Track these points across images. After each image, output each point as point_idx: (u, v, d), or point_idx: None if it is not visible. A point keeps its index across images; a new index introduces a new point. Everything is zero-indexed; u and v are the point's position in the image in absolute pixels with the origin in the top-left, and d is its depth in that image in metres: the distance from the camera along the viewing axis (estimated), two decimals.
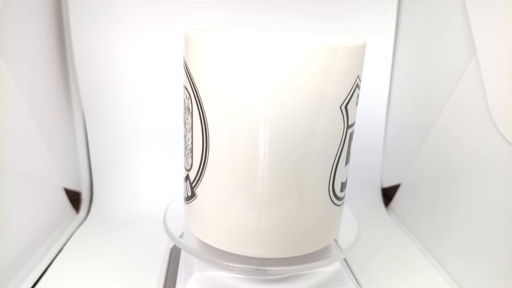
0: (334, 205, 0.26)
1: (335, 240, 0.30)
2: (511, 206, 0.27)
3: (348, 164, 0.26)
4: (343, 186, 0.26)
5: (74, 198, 0.42)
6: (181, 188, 0.30)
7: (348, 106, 0.23)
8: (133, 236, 0.38)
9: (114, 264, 0.34)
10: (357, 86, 0.24)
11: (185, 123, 0.26)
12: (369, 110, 0.44)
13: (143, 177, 0.43)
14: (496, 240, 0.28)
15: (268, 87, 0.22)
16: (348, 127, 0.24)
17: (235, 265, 0.25)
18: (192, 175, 0.26)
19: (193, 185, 0.26)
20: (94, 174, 0.43)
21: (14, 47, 0.31)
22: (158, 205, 0.38)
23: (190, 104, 0.24)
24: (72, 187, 0.42)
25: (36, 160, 0.35)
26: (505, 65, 0.28)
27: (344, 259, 0.31)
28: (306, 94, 0.22)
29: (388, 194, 0.46)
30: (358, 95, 0.24)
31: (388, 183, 0.46)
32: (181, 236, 0.30)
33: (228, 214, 0.25)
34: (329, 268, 0.27)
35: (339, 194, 0.26)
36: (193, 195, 0.26)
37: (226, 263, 0.25)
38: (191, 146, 0.25)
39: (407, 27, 0.41)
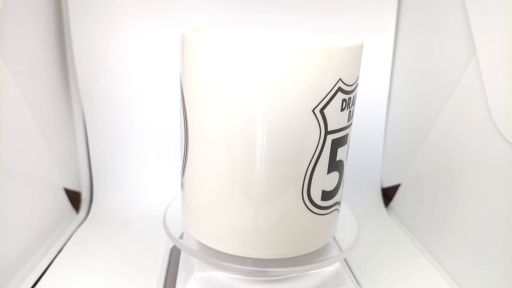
0: (312, 213, 0.24)
1: (335, 240, 0.30)
2: (511, 206, 0.27)
3: (336, 173, 0.25)
4: (326, 195, 0.25)
5: (74, 198, 0.42)
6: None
7: (325, 111, 0.22)
8: (133, 236, 0.38)
9: (114, 264, 0.34)
10: (341, 90, 0.22)
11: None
12: (369, 110, 0.44)
13: (143, 177, 0.43)
14: (495, 240, 0.28)
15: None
16: (328, 132, 0.23)
17: (235, 266, 0.25)
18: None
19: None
20: (94, 174, 0.43)
21: (14, 47, 0.31)
22: (158, 205, 0.38)
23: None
24: (72, 187, 0.42)
25: (36, 160, 0.35)
26: (505, 65, 0.28)
27: (344, 258, 0.31)
28: (278, 95, 0.21)
29: (388, 194, 0.46)
30: (345, 99, 0.23)
31: (388, 183, 0.46)
32: (181, 236, 0.30)
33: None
34: (329, 268, 0.27)
35: (320, 203, 0.24)
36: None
37: (226, 264, 0.25)
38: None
39: (407, 27, 0.41)
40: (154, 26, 0.39)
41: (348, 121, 0.24)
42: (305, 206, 0.24)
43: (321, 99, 0.22)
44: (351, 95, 0.24)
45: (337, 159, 0.24)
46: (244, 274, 0.25)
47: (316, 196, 0.24)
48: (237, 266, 0.25)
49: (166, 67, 0.40)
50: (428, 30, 0.37)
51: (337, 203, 0.26)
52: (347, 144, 0.25)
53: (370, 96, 0.43)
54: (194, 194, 0.26)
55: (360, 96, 0.41)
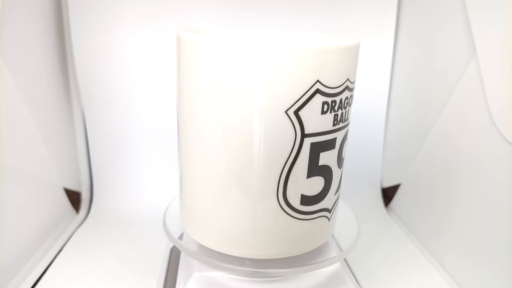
0: (291, 217, 0.24)
1: (335, 240, 0.30)
2: (511, 206, 0.27)
3: (320, 178, 0.24)
4: (307, 200, 0.24)
5: (74, 198, 0.42)
6: None
7: (300, 113, 0.22)
8: (133, 236, 0.38)
9: (114, 264, 0.34)
10: (320, 92, 0.22)
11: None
12: (369, 110, 0.44)
13: (143, 176, 0.43)
14: (495, 240, 0.28)
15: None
16: (306, 135, 0.22)
17: (234, 267, 0.25)
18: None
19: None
20: (94, 174, 0.43)
21: (14, 47, 0.31)
22: (158, 204, 0.38)
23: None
24: (72, 187, 0.42)
25: (36, 160, 0.35)
26: (505, 65, 0.28)
27: (344, 258, 0.31)
28: (252, 96, 0.21)
29: (388, 194, 0.46)
30: (326, 102, 0.22)
31: (388, 183, 0.46)
32: (180, 236, 0.30)
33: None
34: (329, 268, 0.27)
35: (300, 208, 0.24)
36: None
37: (225, 266, 0.25)
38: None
39: (407, 27, 0.41)
40: (154, 26, 0.39)
41: (334, 125, 0.23)
42: (281, 209, 0.24)
43: (295, 100, 0.22)
44: (337, 98, 0.23)
45: (320, 164, 0.23)
46: (244, 275, 0.25)
47: (294, 200, 0.24)
48: (236, 267, 0.25)
49: (166, 66, 0.40)
50: (428, 30, 0.37)
51: (325, 210, 0.25)
52: (335, 149, 0.24)
53: (370, 96, 0.43)
54: (190, 195, 0.26)
55: (360, 96, 0.41)
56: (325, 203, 0.25)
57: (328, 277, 0.27)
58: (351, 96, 0.24)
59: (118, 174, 0.43)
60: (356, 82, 0.25)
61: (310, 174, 0.23)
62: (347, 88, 0.23)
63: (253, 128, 0.22)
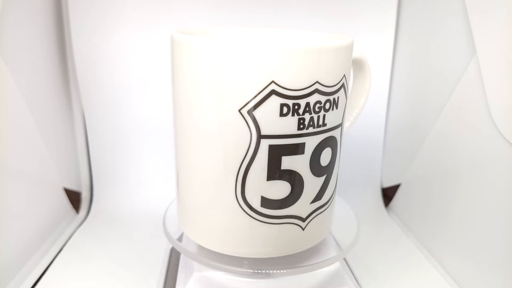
0: (252, 218, 0.24)
1: (335, 239, 0.30)
2: (511, 206, 0.27)
3: (284, 183, 0.23)
4: (268, 202, 0.23)
5: (74, 198, 0.42)
6: None
7: (255, 113, 0.22)
8: (133, 236, 0.38)
9: (114, 264, 0.34)
10: (276, 93, 0.21)
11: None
12: (369, 110, 0.44)
13: (143, 177, 0.43)
14: (496, 240, 0.28)
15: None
16: (262, 136, 0.22)
17: (233, 268, 0.25)
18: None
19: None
20: (94, 174, 0.43)
21: (14, 47, 0.31)
22: (159, 204, 0.38)
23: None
24: (72, 187, 0.42)
25: (36, 160, 0.35)
26: (505, 65, 0.28)
27: (344, 258, 0.31)
28: (210, 92, 0.22)
29: (388, 194, 0.46)
30: (285, 104, 0.22)
31: (388, 183, 0.46)
32: (180, 237, 0.30)
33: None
34: (329, 268, 0.27)
35: (262, 210, 0.24)
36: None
37: (226, 267, 0.25)
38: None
39: (407, 27, 0.41)
40: (154, 26, 0.39)
41: (300, 129, 0.22)
42: (241, 209, 0.24)
43: (249, 100, 0.21)
44: (301, 101, 0.22)
45: (284, 168, 0.23)
46: (243, 275, 0.25)
47: (254, 201, 0.23)
48: (235, 268, 0.25)
49: (166, 66, 0.40)
50: (428, 30, 0.37)
51: (294, 217, 0.24)
52: (304, 155, 0.23)
53: (370, 96, 0.43)
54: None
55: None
56: (295, 210, 0.24)
57: (328, 277, 0.27)
58: (333, 101, 0.23)
59: (118, 174, 0.43)
60: (345, 86, 0.24)
61: (270, 177, 0.23)
62: (317, 91, 0.22)
63: (213, 125, 0.22)
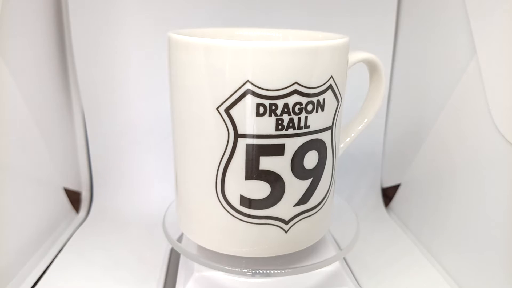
0: (232, 216, 0.24)
1: (334, 239, 0.30)
2: (511, 206, 0.27)
3: (263, 184, 0.23)
4: (248, 202, 0.24)
5: (74, 198, 0.42)
6: None
7: (232, 111, 0.22)
8: (133, 236, 0.38)
9: (114, 264, 0.34)
10: (252, 93, 0.21)
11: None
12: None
13: (143, 176, 0.43)
14: (496, 240, 0.28)
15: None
16: (239, 135, 0.22)
17: (235, 269, 0.25)
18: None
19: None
20: (94, 174, 0.43)
21: (14, 47, 0.31)
22: (159, 204, 0.38)
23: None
24: (72, 187, 0.42)
25: (36, 160, 0.35)
26: (505, 65, 0.28)
27: (344, 258, 0.31)
28: (189, 90, 0.23)
29: (388, 194, 0.46)
30: (262, 104, 0.21)
31: (388, 183, 0.46)
32: (180, 237, 0.30)
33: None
34: (329, 268, 0.27)
35: (241, 209, 0.24)
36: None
37: (225, 267, 0.25)
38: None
39: (407, 27, 0.41)
40: (155, 26, 0.39)
41: (279, 130, 0.22)
42: (222, 207, 0.24)
43: (225, 98, 0.22)
44: (278, 102, 0.22)
45: (262, 168, 0.23)
46: (243, 275, 0.25)
47: (234, 200, 0.24)
48: (235, 269, 0.25)
49: (165, 66, 0.40)
50: (428, 30, 0.37)
51: (276, 218, 0.24)
52: (285, 157, 0.23)
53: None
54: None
55: (361, 96, 0.41)
56: (276, 212, 0.24)
57: (328, 277, 0.27)
58: (317, 103, 0.23)
59: (118, 174, 0.43)
60: (333, 88, 0.23)
61: (248, 176, 0.23)
62: (296, 92, 0.22)
63: (195, 123, 0.23)
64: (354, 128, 0.29)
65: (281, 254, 0.25)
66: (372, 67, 0.27)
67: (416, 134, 0.39)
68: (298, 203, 0.24)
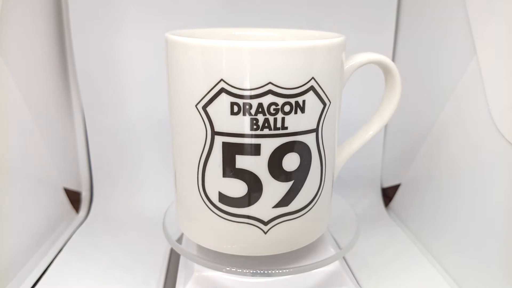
0: (212, 213, 0.24)
1: (334, 239, 0.30)
2: (511, 206, 0.27)
3: (239, 182, 0.23)
4: (225, 199, 0.24)
5: (74, 198, 0.42)
6: None
7: (208, 109, 0.22)
8: (133, 236, 0.38)
9: (114, 264, 0.34)
10: (226, 92, 0.21)
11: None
12: (369, 109, 0.43)
13: (143, 176, 0.43)
14: (496, 240, 0.28)
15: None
16: (216, 133, 0.22)
17: (236, 270, 0.25)
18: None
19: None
20: (94, 174, 0.43)
21: (14, 47, 0.31)
22: (159, 204, 0.38)
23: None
24: (72, 187, 0.42)
25: (36, 160, 0.35)
26: (505, 65, 0.28)
27: (344, 258, 0.31)
28: (173, 87, 0.24)
29: (388, 194, 0.46)
30: (236, 103, 0.22)
31: (388, 183, 0.46)
32: (180, 237, 0.30)
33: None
34: (329, 268, 0.27)
35: (221, 206, 0.24)
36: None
37: (225, 268, 0.25)
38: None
39: (407, 27, 0.41)
40: (155, 26, 0.39)
41: (254, 130, 0.22)
42: (203, 203, 0.24)
43: (202, 96, 0.22)
44: (252, 101, 0.21)
45: (238, 167, 0.23)
46: (243, 275, 0.25)
47: (213, 196, 0.24)
48: (234, 269, 0.25)
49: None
50: (428, 29, 0.37)
51: (253, 218, 0.24)
52: (261, 157, 0.23)
53: (370, 96, 0.43)
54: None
55: (361, 96, 0.41)
56: (254, 211, 0.24)
57: (328, 276, 0.27)
58: (296, 104, 0.22)
59: (118, 174, 0.43)
60: (315, 89, 0.23)
61: (225, 173, 0.23)
62: (271, 92, 0.21)
63: (179, 120, 0.24)
64: (368, 131, 0.30)
65: (261, 255, 0.26)
66: (384, 69, 0.27)
67: (416, 134, 0.39)
68: (278, 205, 0.24)
